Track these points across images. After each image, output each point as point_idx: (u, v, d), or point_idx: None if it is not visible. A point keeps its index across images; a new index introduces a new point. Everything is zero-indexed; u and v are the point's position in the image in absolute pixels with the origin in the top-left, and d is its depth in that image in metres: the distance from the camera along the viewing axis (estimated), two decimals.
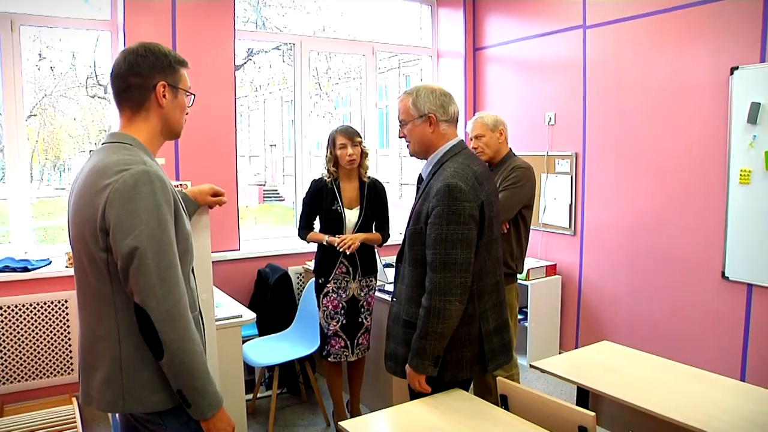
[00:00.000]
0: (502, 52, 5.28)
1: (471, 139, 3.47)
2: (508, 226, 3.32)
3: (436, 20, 5.68)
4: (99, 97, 7.76)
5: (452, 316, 2.22)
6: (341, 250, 3.39)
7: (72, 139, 9.47)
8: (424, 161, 2.45)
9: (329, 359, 3.54)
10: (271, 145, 18.67)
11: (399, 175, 14.46)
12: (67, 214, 1.73)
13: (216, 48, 4.32)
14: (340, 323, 3.50)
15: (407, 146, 2.46)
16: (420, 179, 2.51)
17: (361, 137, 3.50)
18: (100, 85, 7.00)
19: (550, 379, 3.81)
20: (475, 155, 2.52)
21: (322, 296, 3.52)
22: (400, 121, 2.44)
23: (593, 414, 2.05)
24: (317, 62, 10.22)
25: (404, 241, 2.43)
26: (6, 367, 3.72)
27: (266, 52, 10.26)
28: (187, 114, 1.82)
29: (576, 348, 4.55)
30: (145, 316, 1.54)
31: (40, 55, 7.56)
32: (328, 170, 3.53)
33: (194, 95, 1.81)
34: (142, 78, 1.69)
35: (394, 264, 2.57)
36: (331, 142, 3.50)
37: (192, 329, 1.61)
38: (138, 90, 1.69)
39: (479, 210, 2.26)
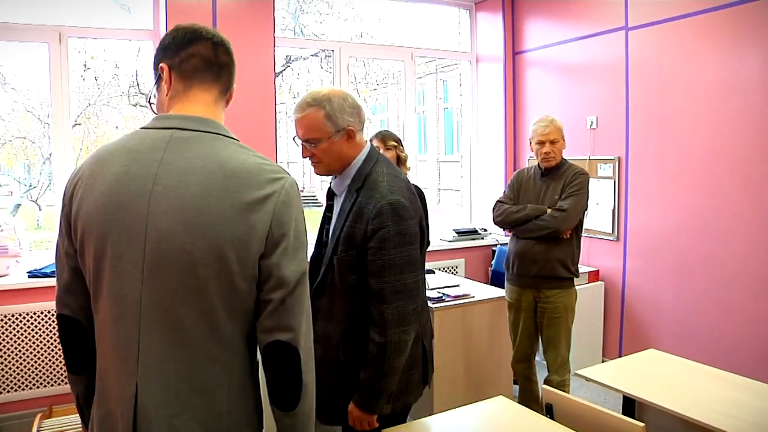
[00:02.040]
0: (543, 56, 5.22)
1: (539, 143, 3.34)
2: (570, 233, 3.29)
3: (474, 25, 5.65)
4: (141, 106, 7.92)
5: (408, 348, 1.99)
6: None
7: None
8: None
9: None
10: None
11: (437, 181, 14.44)
12: (140, 219, 1.29)
13: (256, 56, 4.36)
14: None
15: (314, 165, 2.08)
16: (330, 194, 2.22)
17: (396, 141, 3.46)
18: (142, 93, 7.16)
19: (593, 388, 3.74)
20: (388, 159, 2.18)
21: None
22: (308, 140, 2.00)
23: (642, 425, 1.99)
24: (355, 68, 10.27)
25: (328, 271, 2.06)
26: (53, 369, 3.81)
27: (304, 59, 10.36)
28: None
29: (620, 356, 4.47)
30: (289, 357, 1.26)
31: (85, 65, 7.77)
32: None
33: None
34: (233, 66, 1.48)
35: (312, 299, 2.08)
36: None
37: None
38: (229, 74, 1.46)
39: (419, 225, 2.05)
